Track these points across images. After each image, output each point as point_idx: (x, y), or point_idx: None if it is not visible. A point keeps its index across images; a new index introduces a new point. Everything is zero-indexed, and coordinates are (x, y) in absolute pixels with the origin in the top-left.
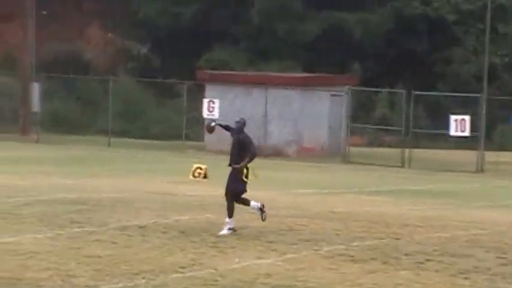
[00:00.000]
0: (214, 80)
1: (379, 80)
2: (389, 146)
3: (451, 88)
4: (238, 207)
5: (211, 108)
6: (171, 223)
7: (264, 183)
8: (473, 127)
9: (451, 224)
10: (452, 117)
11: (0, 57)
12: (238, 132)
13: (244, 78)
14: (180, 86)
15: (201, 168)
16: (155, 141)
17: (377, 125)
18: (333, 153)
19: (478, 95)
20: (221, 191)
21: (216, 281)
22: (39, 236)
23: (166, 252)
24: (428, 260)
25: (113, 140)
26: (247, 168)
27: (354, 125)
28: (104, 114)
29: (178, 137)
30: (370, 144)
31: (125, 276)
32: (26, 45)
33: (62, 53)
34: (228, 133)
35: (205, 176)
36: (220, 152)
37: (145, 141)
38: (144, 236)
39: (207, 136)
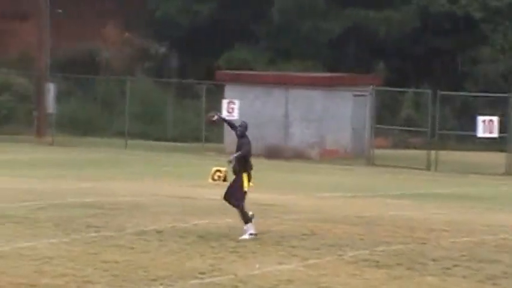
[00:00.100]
0: (234, 80)
1: (404, 79)
2: (415, 148)
3: (479, 88)
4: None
5: (231, 109)
6: (190, 227)
7: (285, 186)
8: (502, 128)
9: (478, 229)
10: (480, 118)
11: (15, 57)
12: (241, 136)
13: (265, 78)
14: (199, 87)
15: (220, 171)
16: (173, 144)
17: (402, 126)
18: (357, 156)
19: (507, 95)
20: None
21: (236, 287)
22: (55, 241)
23: (185, 258)
24: (455, 266)
25: (130, 142)
26: (249, 176)
27: (378, 126)
28: (120, 115)
29: (197, 139)
30: (395, 146)
31: (143, 282)
32: (41, 45)
33: (77, 53)
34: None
35: (224, 179)
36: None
37: (163, 143)
38: (162, 240)
39: (227, 138)
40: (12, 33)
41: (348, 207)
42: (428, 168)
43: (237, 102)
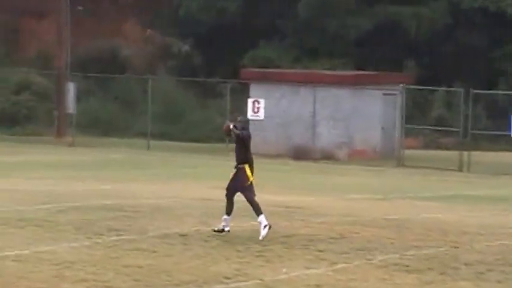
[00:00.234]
0: (260, 78)
1: (435, 78)
2: (447, 148)
3: None
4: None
5: (257, 108)
6: None
7: (312, 188)
8: None
9: None
10: None
11: (35, 55)
12: (242, 128)
13: (291, 77)
14: (223, 86)
15: None
16: (196, 144)
17: (433, 125)
18: (386, 156)
19: None
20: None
21: None
22: (76, 244)
23: (210, 262)
24: (489, 270)
25: (152, 142)
26: (251, 169)
27: (409, 126)
28: (142, 115)
29: (221, 139)
30: (426, 146)
31: (166, 287)
32: (60, 43)
33: (98, 51)
34: (273, 135)
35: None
36: (266, 155)
37: (186, 144)
38: (185, 244)
39: (253, 138)
40: (32, 31)
41: (377, 210)
42: (460, 169)
43: (262, 101)
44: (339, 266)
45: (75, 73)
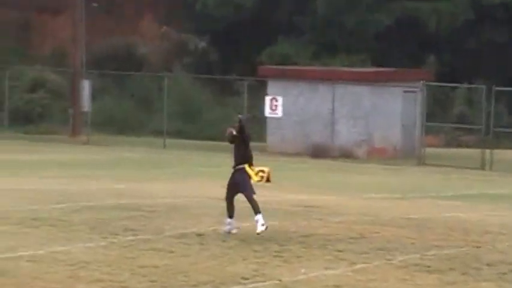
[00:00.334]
0: (277, 75)
1: (456, 74)
2: (468, 146)
3: None
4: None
5: (274, 106)
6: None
7: (331, 187)
8: None
9: None
10: None
11: (49, 53)
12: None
13: (310, 74)
14: (240, 83)
15: (263, 171)
16: (213, 143)
17: (454, 123)
18: (407, 155)
19: None
20: (286, 195)
21: None
22: (91, 244)
23: (227, 262)
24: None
25: (169, 141)
26: (251, 165)
27: (429, 123)
28: (158, 113)
29: None
30: (447, 144)
31: (183, 287)
32: (75, 41)
33: (113, 48)
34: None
35: (268, 180)
36: (284, 154)
37: (203, 142)
38: (202, 244)
39: (270, 137)
40: (46, 28)
41: (397, 209)
42: (482, 168)
43: (280, 98)
44: (358, 266)
45: (90, 71)
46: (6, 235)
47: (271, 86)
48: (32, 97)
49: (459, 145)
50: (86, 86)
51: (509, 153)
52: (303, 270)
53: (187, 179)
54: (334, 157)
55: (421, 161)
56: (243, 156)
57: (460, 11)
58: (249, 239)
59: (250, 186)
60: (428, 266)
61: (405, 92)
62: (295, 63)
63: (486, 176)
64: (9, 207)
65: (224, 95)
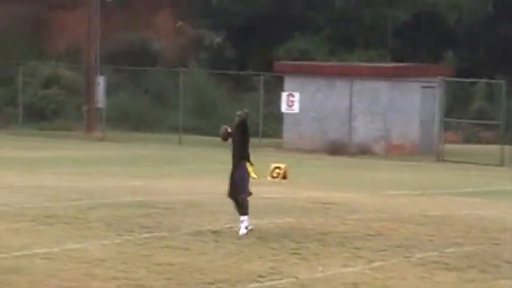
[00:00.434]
0: (294, 71)
1: (475, 69)
2: (487, 142)
3: None
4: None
5: (291, 102)
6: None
7: (348, 184)
8: None
9: None
10: None
11: (64, 48)
12: (242, 122)
13: (327, 69)
14: (257, 79)
15: (279, 168)
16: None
17: (474, 119)
18: (425, 151)
19: None
20: (303, 193)
21: None
22: (106, 242)
23: (243, 260)
24: None
25: (184, 137)
26: (250, 164)
27: (448, 119)
28: (174, 109)
29: (254, 134)
30: (466, 140)
31: (199, 285)
32: (90, 36)
33: (128, 44)
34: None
35: (284, 177)
36: (301, 150)
37: (219, 138)
38: (218, 242)
39: (286, 133)
40: (61, 23)
41: (415, 206)
42: (501, 164)
43: (297, 94)
44: (377, 264)
45: (105, 66)
46: (20, 232)
47: (288, 81)
48: (47, 93)
49: (478, 141)
50: (101, 82)
51: None
52: (320, 268)
53: (203, 175)
54: (351, 154)
55: (439, 157)
56: (241, 153)
57: (479, 6)
58: (266, 236)
59: (247, 186)
60: (447, 264)
61: (424, 87)
62: (313, 59)
63: (505, 172)
64: (24, 204)
65: (240, 91)
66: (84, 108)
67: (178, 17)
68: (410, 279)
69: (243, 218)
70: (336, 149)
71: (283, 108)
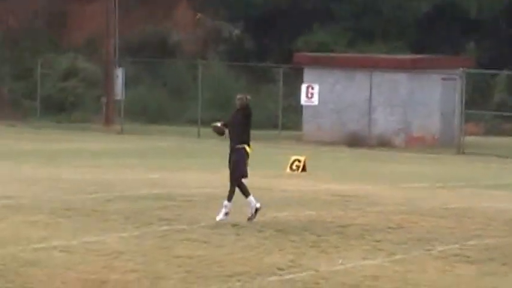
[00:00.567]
0: (313, 63)
1: (497, 61)
2: (509, 134)
3: None
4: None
5: (310, 94)
6: (268, 221)
7: (368, 176)
8: None
9: None
10: None
11: (82, 41)
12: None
13: (347, 61)
14: (276, 70)
15: (299, 161)
16: None
17: (495, 111)
18: (446, 143)
19: None
20: (322, 185)
21: (318, 283)
22: (125, 234)
23: (263, 253)
24: None
25: (203, 130)
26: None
27: (469, 111)
28: (192, 101)
29: (273, 126)
30: (488, 132)
31: (218, 278)
32: (109, 28)
33: (147, 36)
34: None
35: (304, 169)
36: (320, 143)
37: None
38: (238, 234)
39: (306, 125)
40: (79, 16)
41: (436, 199)
42: None
43: (316, 86)
44: (397, 256)
45: (123, 59)
46: (39, 225)
47: (307, 73)
48: (65, 86)
49: (500, 133)
50: (119, 74)
51: None
52: (340, 261)
53: (222, 168)
54: (371, 146)
55: (460, 149)
56: (241, 137)
57: None
58: (286, 229)
59: (242, 169)
60: (469, 256)
61: (444, 79)
62: (332, 51)
63: None
64: (42, 196)
65: (259, 83)
66: (103, 100)
67: (197, 9)
68: (431, 272)
69: (226, 203)
70: (355, 141)
71: (303, 100)
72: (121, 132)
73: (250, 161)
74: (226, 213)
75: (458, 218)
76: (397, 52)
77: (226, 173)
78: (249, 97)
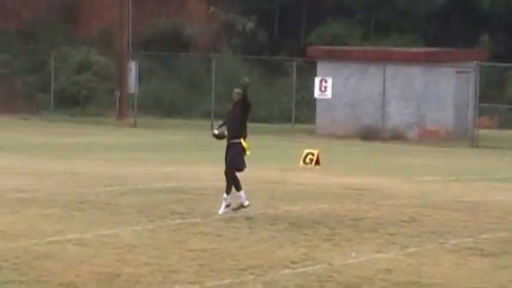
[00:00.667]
0: (327, 56)
1: (511, 54)
2: None
3: None
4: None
5: (324, 87)
6: (281, 214)
7: (382, 170)
8: None
9: None
10: None
11: (96, 34)
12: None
13: (360, 54)
14: (289, 64)
15: (312, 154)
16: (261, 125)
17: (509, 104)
18: (460, 137)
19: None
20: (336, 178)
21: (331, 277)
22: (138, 228)
23: (276, 246)
24: None
25: (216, 123)
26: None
27: (483, 105)
28: (206, 95)
29: (286, 119)
30: (501, 126)
31: (232, 272)
32: (122, 21)
33: (160, 29)
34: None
35: (317, 163)
36: (334, 136)
37: (251, 124)
38: (251, 228)
39: (319, 119)
40: (93, 9)
41: (449, 192)
42: None
43: (329, 80)
44: (410, 250)
45: (137, 52)
46: (53, 218)
47: (321, 67)
48: (78, 79)
49: None
50: (133, 68)
51: None
52: (353, 254)
53: None
54: (385, 139)
55: (474, 143)
56: (238, 129)
57: None
58: (299, 222)
59: (237, 163)
60: (482, 250)
61: (458, 72)
62: (345, 44)
63: None
64: (56, 190)
65: (272, 76)
66: (117, 93)
67: (210, 2)
68: (444, 265)
69: (225, 196)
70: (369, 134)
71: (316, 93)
72: (134, 125)
73: (265, 154)
74: (227, 206)
75: (471, 211)
76: (411, 45)
77: None
78: (238, 90)
